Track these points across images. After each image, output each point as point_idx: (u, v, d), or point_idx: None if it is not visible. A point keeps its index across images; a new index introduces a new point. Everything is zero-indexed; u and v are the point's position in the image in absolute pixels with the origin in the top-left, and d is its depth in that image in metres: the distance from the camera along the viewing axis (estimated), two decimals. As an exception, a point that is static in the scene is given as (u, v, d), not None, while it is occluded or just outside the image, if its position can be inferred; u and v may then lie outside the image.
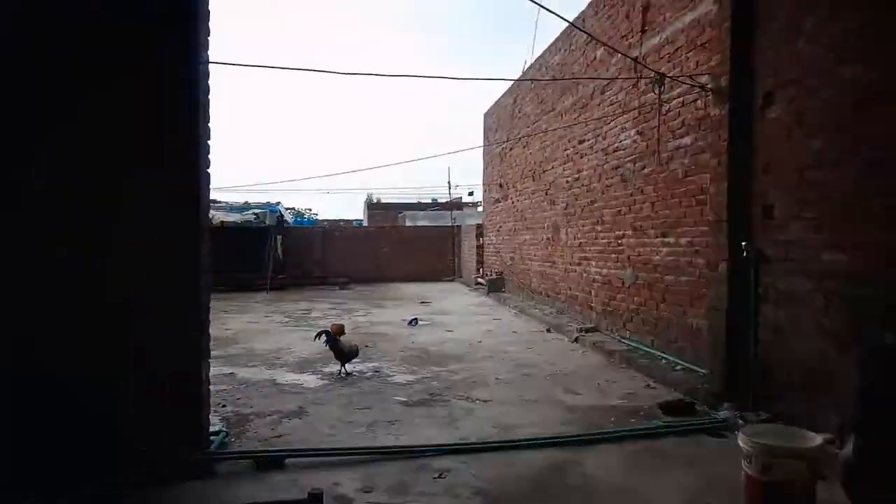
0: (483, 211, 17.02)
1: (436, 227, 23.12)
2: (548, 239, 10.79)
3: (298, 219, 33.51)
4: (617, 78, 7.79)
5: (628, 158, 7.47)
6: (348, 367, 6.54)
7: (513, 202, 13.46)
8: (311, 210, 40.89)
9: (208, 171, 4.01)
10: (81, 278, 3.62)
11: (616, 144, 7.85)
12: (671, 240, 6.41)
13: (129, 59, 3.67)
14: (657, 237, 6.70)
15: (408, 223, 29.57)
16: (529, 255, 11.98)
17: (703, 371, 5.62)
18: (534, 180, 11.77)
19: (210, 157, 4.03)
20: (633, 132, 7.36)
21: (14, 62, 3.52)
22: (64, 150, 3.59)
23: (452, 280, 19.78)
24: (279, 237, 17.96)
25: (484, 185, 16.74)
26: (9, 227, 3.50)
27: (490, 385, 5.92)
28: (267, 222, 16.35)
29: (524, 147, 12.50)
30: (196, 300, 3.93)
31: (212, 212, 16.71)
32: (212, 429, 4.57)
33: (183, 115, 3.74)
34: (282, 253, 18.23)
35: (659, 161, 6.66)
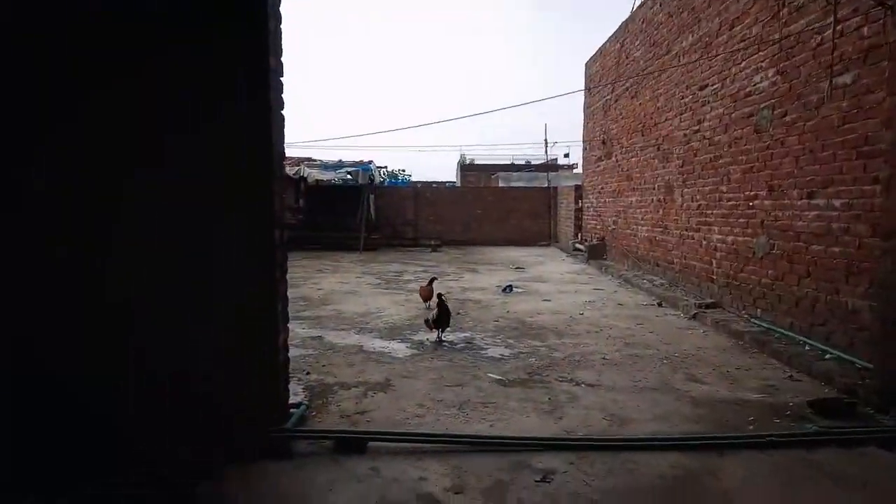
0: (582, 171, 15.94)
1: (531, 188, 22.16)
2: (659, 201, 9.73)
3: (392, 179, 33.60)
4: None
5: (764, 104, 6.33)
6: (435, 336, 6.09)
7: (617, 160, 12.37)
8: (404, 171, 40.98)
9: (281, 111, 3.57)
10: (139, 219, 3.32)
11: (748, 88, 6.70)
12: (821, 201, 5.34)
13: None
14: (801, 198, 5.63)
15: (501, 185, 28.71)
16: (636, 219, 10.95)
17: (863, 363, 4.65)
18: (643, 135, 10.64)
19: (281, 94, 3.59)
20: (771, 72, 6.20)
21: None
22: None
23: (548, 245, 18.92)
24: (372, 196, 17.83)
25: (584, 142, 15.62)
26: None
27: (596, 366, 5.24)
28: (360, 181, 16.19)
29: (632, 98, 11.33)
30: (269, 260, 3.52)
31: (307, 169, 16.86)
32: (293, 399, 4.28)
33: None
34: (374, 213, 18.12)
35: (806, 106, 5.54)
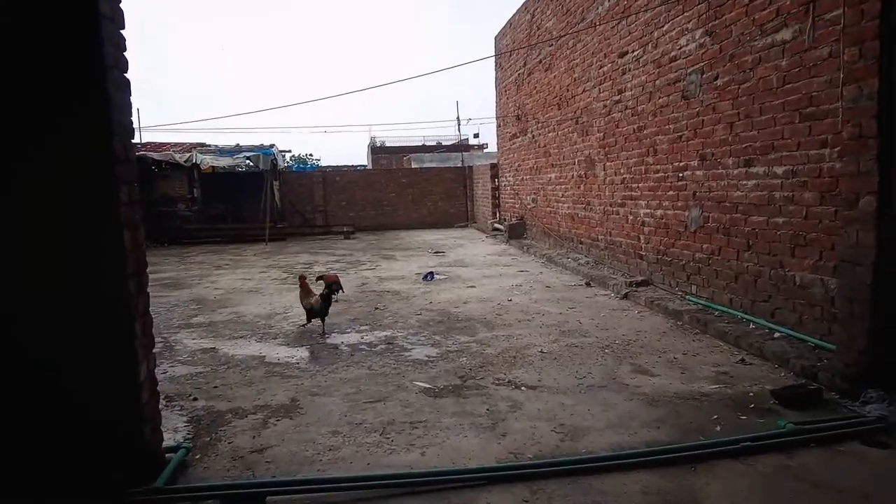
0: (497, 149, 15.46)
1: (445, 168, 21.53)
2: (580, 176, 9.34)
3: (300, 165, 31.97)
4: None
5: (692, 69, 5.95)
6: (351, 337, 5.32)
7: (533, 136, 11.93)
8: (312, 156, 39.29)
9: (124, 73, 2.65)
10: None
11: (673, 53, 6.31)
12: (760, 169, 4.99)
13: None
14: (738, 167, 5.28)
15: (414, 166, 27.93)
16: (556, 196, 10.56)
17: (815, 341, 4.33)
18: (559, 108, 10.21)
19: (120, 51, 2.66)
20: (698, 34, 5.81)
21: None
22: None
23: (466, 226, 18.42)
24: (276, 183, 16.56)
25: (497, 118, 15.12)
26: None
27: (534, 361, 4.66)
28: (261, 167, 14.88)
29: (546, 70, 10.87)
30: (117, 270, 2.62)
31: (200, 156, 15.32)
32: (171, 439, 3.39)
33: None
34: (279, 200, 16.86)
35: (740, 67, 5.17)
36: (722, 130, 5.49)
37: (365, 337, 5.59)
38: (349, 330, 5.90)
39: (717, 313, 5.50)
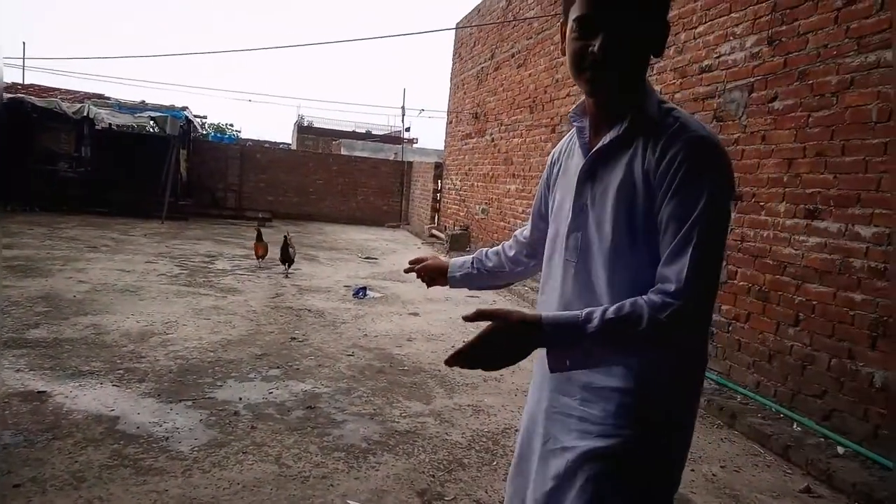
0: (445, 147, 13.99)
1: (383, 160, 19.79)
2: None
3: (218, 134, 29.11)
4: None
5: (735, 84, 4.74)
6: (255, 391, 3.67)
7: (493, 139, 10.55)
8: (232, 126, 36.38)
9: None
10: None
11: (708, 61, 5.08)
12: (832, 225, 3.81)
13: None
14: (793, 217, 4.09)
15: (344, 153, 25.93)
16: (514, 210, 9.22)
17: (919, 477, 3.15)
18: (531, 112, 8.88)
19: None
20: (751, 40, 4.60)
21: None
22: None
23: (398, 227, 16.80)
24: (184, 152, 14.25)
25: (449, 114, 13.66)
26: None
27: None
28: (168, 130, 12.59)
29: (519, 66, 9.52)
30: None
31: (94, 109, 12.79)
32: None
33: None
34: (185, 172, 14.55)
35: (815, 90, 3.98)
36: (774, 167, 4.29)
37: (275, 392, 3.94)
38: (252, 374, 4.22)
39: (739, 397, 4.30)
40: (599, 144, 1.22)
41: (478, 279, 1.68)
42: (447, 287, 1.75)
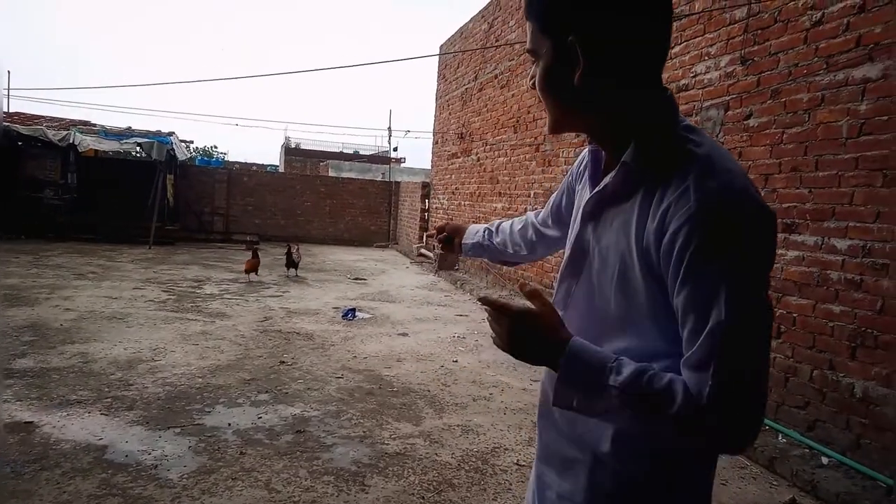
0: (432, 167, 14.09)
1: (370, 181, 19.86)
2: (535, 211, 8.11)
3: (205, 158, 29.11)
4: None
5: (711, 102, 4.86)
6: (244, 416, 3.66)
7: (479, 158, 10.66)
8: (217, 148, 36.37)
9: None
10: None
11: (685, 80, 5.21)
12: (808, 239, 3.90)
13: None
14: (779, 231, 4.16)
15: (331, 174, 26.00)
16: (501, 228, 9.29)
17: (883, 479, 3.20)
18: (515, 131, 9.00)
19: None
20: (725, 60, 4.73)
21: None
22: None
23: (386, 247, 16.84)
24: (170, 177, 14.25)
25: (435, 134, 13.79)
26: None
27: (512, 486, 3.23)
28: (154, 156, 12.59)
29: (502, 87, 9.66)
30: None
31: (80, 136, 12.80)
32: None
33: None
34: (172, 197, 14.53)
35: (788, 107, 4.09)
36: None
37: (264, 416, 3.93)
38: (241, 399, 4.22)
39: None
40: (600, 186, 0.99)
41: (487, 251, 1.56)
42: (460, 255, 1.65)
